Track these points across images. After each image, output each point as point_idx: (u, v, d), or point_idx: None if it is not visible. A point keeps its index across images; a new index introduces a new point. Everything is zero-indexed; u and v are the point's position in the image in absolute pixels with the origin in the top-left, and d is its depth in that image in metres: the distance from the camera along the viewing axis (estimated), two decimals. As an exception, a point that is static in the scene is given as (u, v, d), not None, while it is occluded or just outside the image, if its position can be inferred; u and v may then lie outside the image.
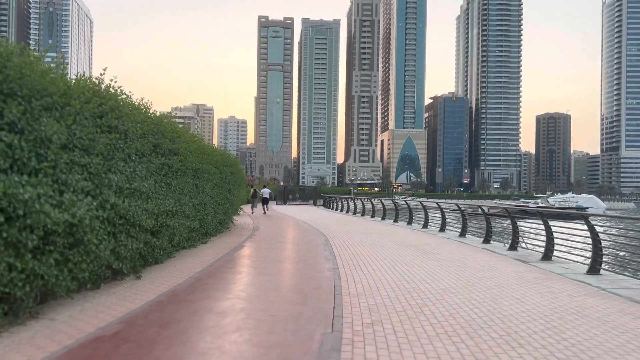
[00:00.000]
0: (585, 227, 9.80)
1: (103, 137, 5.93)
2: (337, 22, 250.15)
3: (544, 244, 12.07)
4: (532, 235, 13.95)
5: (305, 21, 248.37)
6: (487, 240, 14.83)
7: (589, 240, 12.63)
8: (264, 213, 29.28)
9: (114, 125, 6.34)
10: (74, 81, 6.17)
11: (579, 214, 9.83)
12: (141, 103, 7.94)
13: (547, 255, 11.29)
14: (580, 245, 12.22)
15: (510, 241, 13.70)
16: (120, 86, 7.12)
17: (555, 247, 11.56)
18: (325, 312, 5.83)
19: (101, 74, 6.87)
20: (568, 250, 12.97)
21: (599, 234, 9.60)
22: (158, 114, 9.27)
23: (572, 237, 13.24)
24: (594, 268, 9.41)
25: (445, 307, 6.36)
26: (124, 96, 7.19)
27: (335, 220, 24.56)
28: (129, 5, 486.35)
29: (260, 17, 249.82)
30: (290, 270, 8.95)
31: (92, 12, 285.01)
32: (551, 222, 11.82)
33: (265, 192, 31.46)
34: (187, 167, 9.54)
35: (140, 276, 7.70)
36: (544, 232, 11.97)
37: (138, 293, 6.64)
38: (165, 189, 8.15)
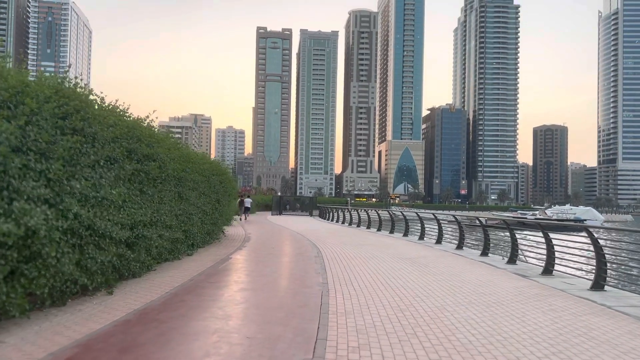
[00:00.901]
0: (586, 239, 9.33)
1: (65, 140, 5.41)
2: (335, 34, 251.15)
3: (543, 257, 11.58)
4: (532, 248, 13.40)
5: (303, 32, 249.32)
6: (485, 253, 14.31)
7: (590, 254, 12.15)
8: (245, 219, 32.58)
9: (79, 128, 5.81)
10: (34, 79, 5.67)
11: (581, 227, 9.32)
12: (115, 105, 7.43)
13: (548, 270, 10.77)
14: (582, 259, 11.72)
15: (509, 254, 13.20)
16: (91, 89, 6.60)
17: (556, 260, 11.05)
18: (308, 334, 5.29)
19: (66, 71, 6.36)
20: (569, 264, 12.47)
21: (603, 248, 9.09)
22: (145, 120, 8.81)
23: (572, 251, 12.75)
24: (598, 284, 8.89)
25: (441, 327, 5.83)
26: (95, 97, 6.70)
27: (329, 231, 24.02)
28: (127, 15, 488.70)
29: (258, 28, 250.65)
30: (276, 284, 8.41)
31: (91, 22, 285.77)
32: (551, 235, 11.34)
33: (247, 201, 34.53)
34: (168, 175, 9.01)
35: (113, 291, 7.16)
36: (543, 245, 11.48)
37: (106, 311, 6.09)
38: (140, 198, 7.61)
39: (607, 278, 9.19)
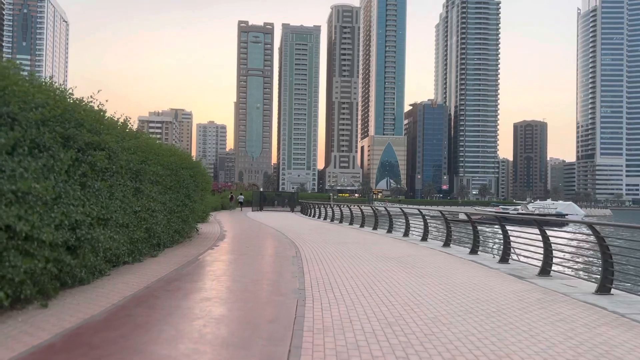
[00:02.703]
0: (572, 235, 8.49)
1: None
2: (317, 28, 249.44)
3: (536, 255, 10.73)
4: (524, 246, 12.53)
5: (285, 27, 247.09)
6: (474, 251, 13.45)
7: (586, 252, 11.33)
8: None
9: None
10: None
11: (586, 222, 8.44)
12: (49, 85, 6.27)
13: (545, 270, 9.90)
14: (579, 258, 10.94)
15: (500, 252, 12.35)
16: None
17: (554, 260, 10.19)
18: (275, 360, 4.26)
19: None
20: (566, 262, 11.65)
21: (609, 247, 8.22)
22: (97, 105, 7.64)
23: (567, 248, 11.94)
24: (605, 287, 8.03)
25: (437, 347, 4.85)
26: (22, 75, 5.54)
27: (310, 228, 23.00)
28: (106, 8, 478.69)
29: (240, 22, 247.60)
30: (245, 292, 7.35)
31: (69, 14, 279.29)
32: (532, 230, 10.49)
33: (240, 197, 44.90)
34: (122, 167, 7.87)
35: (47, 304, 6.02)
36: (536, 242, 10.63)
37: (29, 331, 4.97)
38: (82, 193, 6.47)
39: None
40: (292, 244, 14.96)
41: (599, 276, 9.25)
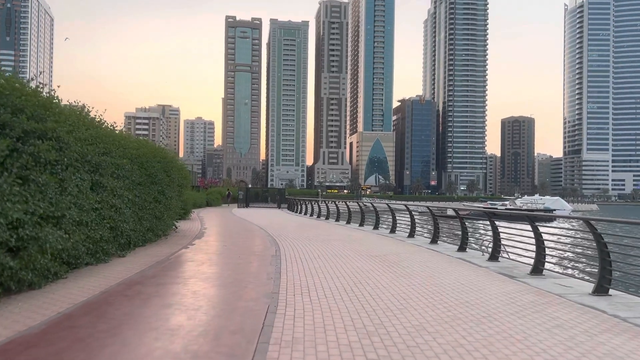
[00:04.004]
0: (564, 231, 7.95)
1: None
2: (305, 24, 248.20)
3: (527, 252, 10.19)
4: (513, 242, 11.98)
5: (273, 22, 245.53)
6: (462, 248, 12.90)
7: (579, 249, 10.81)
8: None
9: None
10: None
11: (582, 218, 7.88)
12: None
13: (537, 269, 9.34)
14: (572, 255, 10.42)
15: (490, 249, 11.80)
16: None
17: (546, 258, 9.64)
18: (231, 383, 3.61)
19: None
20: (556, 260, 11.13)
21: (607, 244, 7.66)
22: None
23: (560, 245, 11.43)
24: (602, 287, 7.48)
25: (421, 362, 4.23)
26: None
27: (295, 225, 22.35)
28: (92, 3, 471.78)
29: (227, 17, 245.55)
30: (213, 297, 6.68)
31: (53, 8, 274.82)
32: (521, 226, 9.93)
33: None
34: (77, 159, 7.14)
35: (-19, 314, 5.31)
36: (526, 239, 10.09)
37: (-53, 349, 4.27)
38: (23, 188, 5.75)
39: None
40: (273, 241, 14.31)
41: (594, 275, 8.75)
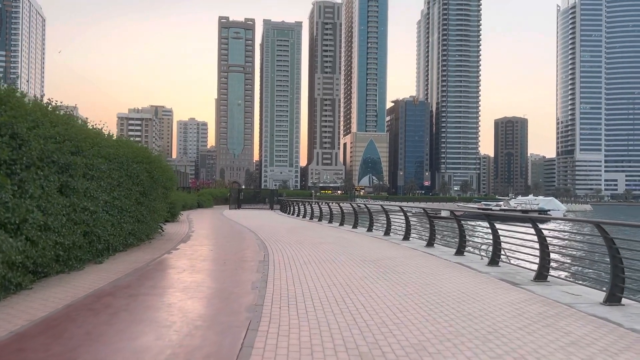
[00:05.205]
0: (563, 234, 7.39)
1: None
2: (299, 24, 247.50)
3: (529, 256, 9.64)
4: (514, 245, 11.40)
5: (266, 22, 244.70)
6: (460, 252, 12.33)
7: (584, 253, 10.25)
8: None
9: None
10: None
11: (593, 222, 7.30)
12: None
13: (542, 275, 8.78)
14: (577, 260, 9.87)
15: (489, 253, 11.23)
16: None
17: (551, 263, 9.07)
18: None
19: None
20: (560, 264, 10.58)
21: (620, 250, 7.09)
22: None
23: (564, 249, 10.89)
24: (614, 296, 6.91)
25: (422, 393, 3.62)
26: None
27: (287, 227, 21.71)
28: (84, 3, 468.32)
29: (220, 18, 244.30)
30: (189, 312, 6.04)
31: (45, 9, 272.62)
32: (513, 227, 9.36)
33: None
34: (41, 159, 6.47)
35: None
36: (524, 241, 9.54)
37: None
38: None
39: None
40: (262, 245, 13.67)
41: (601, 281, 8.20)
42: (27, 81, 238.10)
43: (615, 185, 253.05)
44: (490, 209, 71.58)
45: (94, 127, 10.94)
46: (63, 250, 7.80)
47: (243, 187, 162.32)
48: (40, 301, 6.28)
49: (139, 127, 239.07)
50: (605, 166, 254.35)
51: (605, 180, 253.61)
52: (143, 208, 12.15)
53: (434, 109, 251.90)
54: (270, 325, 5.38)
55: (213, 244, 13.99)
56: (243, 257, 11.23)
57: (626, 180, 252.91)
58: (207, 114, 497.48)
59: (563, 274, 9.50)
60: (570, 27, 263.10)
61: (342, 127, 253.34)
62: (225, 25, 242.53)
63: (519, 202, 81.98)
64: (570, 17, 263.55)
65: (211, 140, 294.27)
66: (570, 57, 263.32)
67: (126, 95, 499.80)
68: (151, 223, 13.53)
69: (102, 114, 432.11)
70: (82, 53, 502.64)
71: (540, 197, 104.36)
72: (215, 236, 16.72)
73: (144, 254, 11.31)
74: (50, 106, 7.86)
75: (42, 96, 8.98)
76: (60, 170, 7.31)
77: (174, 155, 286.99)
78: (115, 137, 12.10)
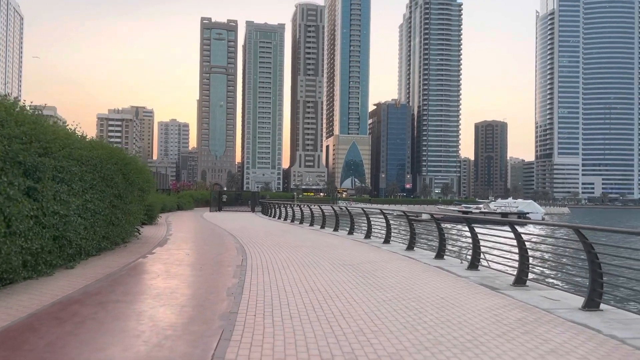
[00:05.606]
0: (541, 239, 7.36)
1: None
2: (282, 26, 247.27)
3: (508, 260, 9.60)
4: (494, 249, 11.38)
5: (249, 24, 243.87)
6: (440, 256, 12.28)
7: (561, 258, 10.28)
8: None
9: None
10: None
11: (572, 226, 7.27)
12: None
13: (521, 279, 8.74)
14: (555, 264, 9.87)
15: (468, 257, 11.19)
16: None
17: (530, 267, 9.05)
18: None
19: None
20: (537, 268, 10.57)
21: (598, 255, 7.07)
22: None
23: (542, 253, 10.91)
24: (593, 301, 6.88)
25: (398, 407, 3.48)
26: None
27: (267, 230, 21.49)
28: (65, 2, 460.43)
29: (203, 19, 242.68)
30: (160, 320, 5.81)
31: (23, 8, 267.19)
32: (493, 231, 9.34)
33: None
34: (2, 159, 6.17)
35: None
36: (505, 246, 9.52)
37: None
38: None
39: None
40: (241, 249, 13.45)
41: (580, 286, 8.19)
42: (5, 83, 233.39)
43: (592, 188, 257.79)
44: (471, 212, 72.17)
45: (69, 127, 10.63)
46: (30, 255, 7.51)
47: (225, 189, 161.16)
48: (2, 310, 5.99)
49: (119, 128, 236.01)
50: (583, 170, 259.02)
51: (583, 183, 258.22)
52: (118, 211, 11.84)
53: (415, 112, 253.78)
54: (243, 334, 5.19)
55: (190, 248, 13.72)
56: (220, 261, 11.01)
57: (603, 184, 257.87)
58: (188, 115, 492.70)
59: (542, 278, 9.47)
60: (549, 32, 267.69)
61: (324, 130, 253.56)
62: (207, 26, 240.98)
63: (498, 205, 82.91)
64: (549, 22, 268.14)
65: (193, 142, 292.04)
66: (548, 62, 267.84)
67: (107, 96, 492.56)
68: (127, 226, 13.21)
69: (82, 114, 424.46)
70: (62, 53, 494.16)
71: (520, 200, 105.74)
72: (194, 239, 16.43)
73: (118, 258, 11.01)
74: (18, 105, 7.56)
75: (17, 97, 8.66)
76: (27, 172, 7.03)
77: (155, 157, 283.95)
78: (91, 138, 11.79)
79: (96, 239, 10.67)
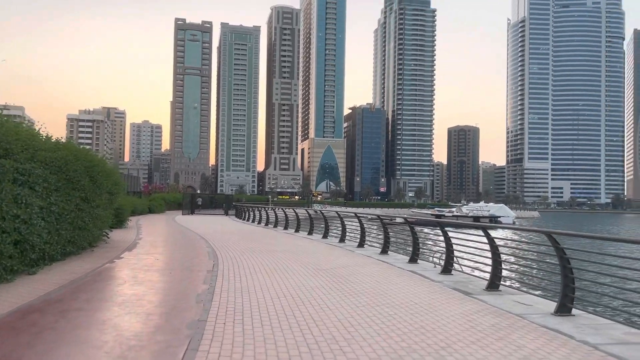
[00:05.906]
0: (514, 243, 7.38)
1: None
2: (257, 29, 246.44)
3: (481, 265, 9.63)
4: (467, 254, 11.41)
5: (224, 26, 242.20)
6: (413, 259, 12.26)
7: (532, 262, 10.37)
8: None
9: None
10: None
11: (545, 232, 7.30)
12: None
13: (494, 284, 8.74)
14: (526, 268, 9.92)
15: (442, 261, 11.18)
16: None
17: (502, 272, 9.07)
18: None
19: None
20: (510, 272, 10.64)
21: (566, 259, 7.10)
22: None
23: (515, 258, 10.97)
24: (565, 306, 6.90)
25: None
26: None
27: (241, 234, 21.20)
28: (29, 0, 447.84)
29: (177, 20, 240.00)
30: (124, 330, 5.56)
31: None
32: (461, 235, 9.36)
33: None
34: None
35: None
36: (475, 249, 9.53)
37: None
38: None
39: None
40: (213, 253, 13.18)
41: (551, 290, 8.23)
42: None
43: (561, 192, 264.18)
44: (443, 215, 72.96)
45: (35, 128, 10.24)
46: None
47: (198, 191, 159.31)
48: (-45, 320, 5.66)
49: (89, 129, 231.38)
50: (552, 174, 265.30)
51: (552, 188, 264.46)
52: (84, 214, 11.44)
53: (390, 117, 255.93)
54: (212, 344, 4.99)
55: (160, 252, 13.38)
56: (191, 266, 10.73)
57: (571, 188, 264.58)
58: (161, 117, 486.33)
59: (515, 283, 9.51)
60: (519, 40, 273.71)
61: (300, 133, 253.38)
62: (181, 27, 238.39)
63: (470, 209, 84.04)
64: (519, 30, 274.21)
65: (166, 144, 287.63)
66: (519, 69, 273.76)
67: (77, 97, 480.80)
68: (94, 230, 12.80)
69: (51, 115, 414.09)
70: (27, 52, 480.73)
71: (491, 204, 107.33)
72: (164, 244, 16.06)
73: (83, 263, 10.63)
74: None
75: None
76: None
77: (127, 159, 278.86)
78: (58, 139, 11.38)
79: (61, 243, 10.28)
